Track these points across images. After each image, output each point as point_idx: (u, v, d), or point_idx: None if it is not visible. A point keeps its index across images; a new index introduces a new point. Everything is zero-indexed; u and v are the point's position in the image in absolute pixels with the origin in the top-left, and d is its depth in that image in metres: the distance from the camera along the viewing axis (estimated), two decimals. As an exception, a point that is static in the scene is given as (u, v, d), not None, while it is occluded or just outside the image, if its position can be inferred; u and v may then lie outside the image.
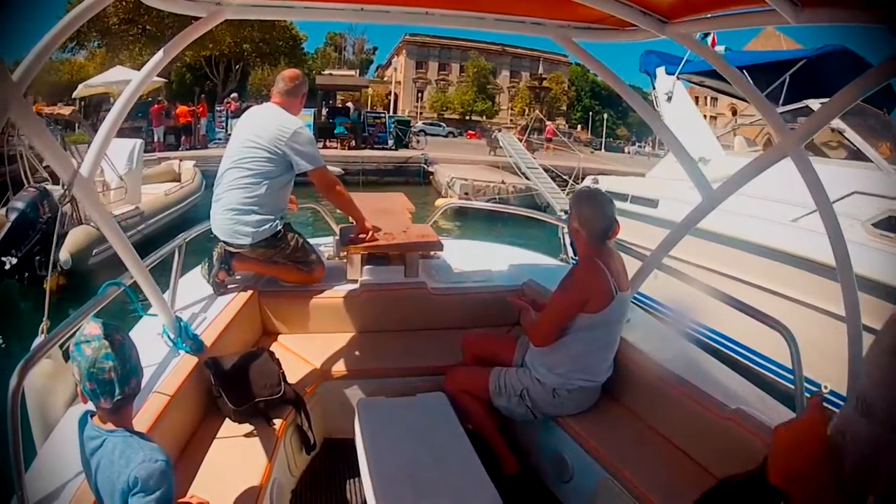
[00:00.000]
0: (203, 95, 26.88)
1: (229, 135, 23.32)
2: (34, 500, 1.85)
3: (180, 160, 15.65)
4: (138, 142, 11.39)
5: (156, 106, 23.56)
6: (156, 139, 22.68)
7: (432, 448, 2.62)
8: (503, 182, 21.11)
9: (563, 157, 28.98)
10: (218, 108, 28.35)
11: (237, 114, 25.17)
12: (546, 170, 22.60)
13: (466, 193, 19.35)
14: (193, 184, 14.18)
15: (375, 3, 2.99)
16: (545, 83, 42.64)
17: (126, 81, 18.34)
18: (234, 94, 28.02)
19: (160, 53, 2.75)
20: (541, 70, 47.65)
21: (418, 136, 34.81)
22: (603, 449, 2.77)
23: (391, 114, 38.75)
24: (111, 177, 10.36)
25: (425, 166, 26.22)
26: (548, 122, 34.76)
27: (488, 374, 3.14)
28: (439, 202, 16.53)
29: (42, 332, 2.27)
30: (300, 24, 41.37)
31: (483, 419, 3.12)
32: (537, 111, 35.72)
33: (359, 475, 2.89)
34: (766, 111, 2.72)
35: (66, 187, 2.27)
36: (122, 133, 18.11)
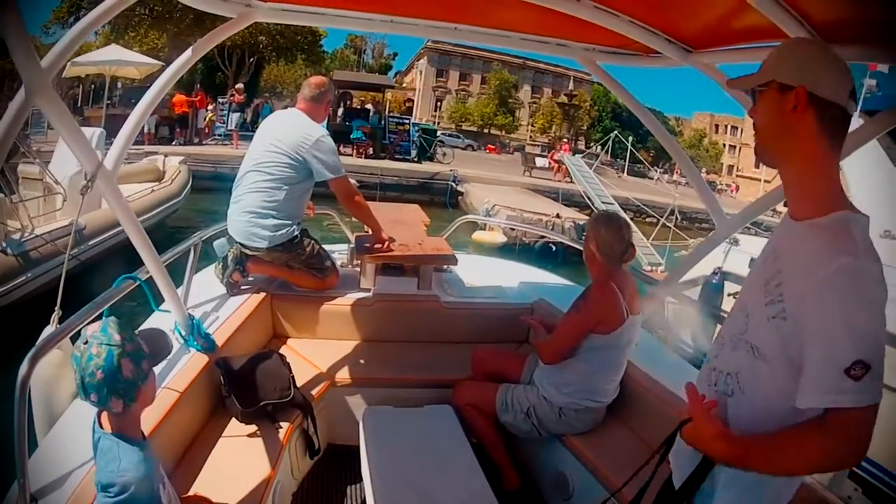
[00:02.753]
0: (199, 86, 24.57)
1: (230, 131, 21.88)
2: (35, 488, 1.90)
3: (165, 156, 13.69)
4: (97, 132, 8.88)
5: None
6: (146, 130, 20.75)
7: (437, 459, 2.72)
8: (558, 216, 17.22)
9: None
10: (221, 100, 26.13)
11: (241, 108, 23.64)
12: (624, 204, 19.86)
13: (512, 228, 15.25)
14: (173, 185, 12.01)
15: (405, 15, 3.14)
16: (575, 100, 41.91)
17: (118, 62, 17.00)
18: (240, 86, 25.20)
19: (188, 52, 2.85)
20: (571, 86, 47.32)
21: (443, 147, 31.41)
22: (605, 469, 2.85)
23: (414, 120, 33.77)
24: (63, 176, 8.13)
25: (454, 185, 23.08)
26: (565, 141, 33.66)
27: (496, 389, 3.25)
28: (481, 237, 14.62)
29: (53, 322, 2.33)
30: None
31: (488, 434, 3.22)
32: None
33: (361, 482, 2.98)
34: None
35: (89, 178, 2.35)
36: (109, 120, 15.00)
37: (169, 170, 12.71)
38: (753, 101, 1.51)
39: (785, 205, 1.53)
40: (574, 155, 30.97)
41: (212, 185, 16.11)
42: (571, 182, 26.69)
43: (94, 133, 8.58)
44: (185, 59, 2.85)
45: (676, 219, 17.09)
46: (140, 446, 1.73)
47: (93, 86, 23.33)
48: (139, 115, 2.68)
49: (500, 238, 14.83)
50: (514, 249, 14.42)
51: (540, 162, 31.24)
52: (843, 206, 1.36)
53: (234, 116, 23.21)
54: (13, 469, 1.81)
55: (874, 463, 4.62)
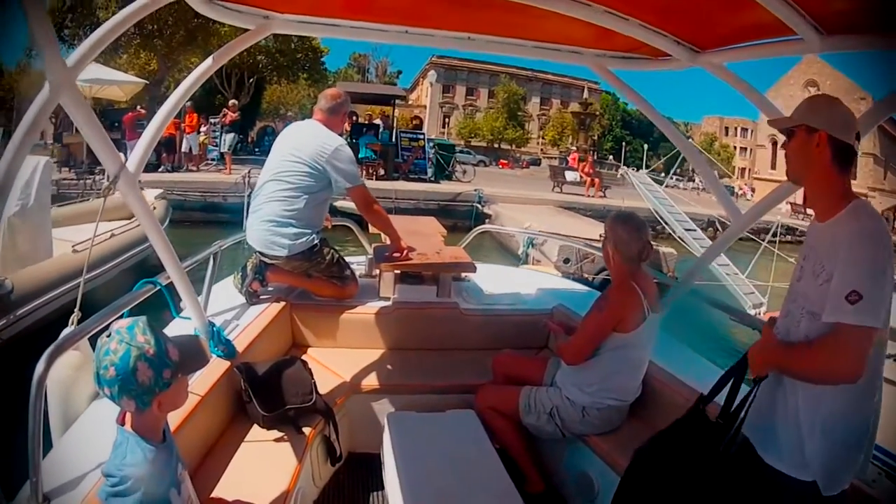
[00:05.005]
0: (190, 103, 20.91)
1: (223, 154, 20.34)
2: (48, 488, 1.92)
3: (142, 188, 9.21)
4: (42, 161, 7.25)
5: (130, 114, 18.91)
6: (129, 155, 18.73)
7: (461, 464, 2.78)
8: None
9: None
10: (213, 120, 23.71)
11: (234, 127, 20.97)
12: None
13: (567, 260, 12.90)
14: (139, 230, 8.82)
15: (420, 26, 3.26)
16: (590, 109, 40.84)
17: (99, 80, 16.15)
18: (233, 102, 22.44)
19: (209, 61, 2.95)
20: (585, 95, 47.03)
21: (464, 164, 28.80)
22: None
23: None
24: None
25: (479, 206, 20.50)
26: (573, 150, 32.38)
27: (518, 392, 3.34)
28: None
29: (72, 323, 2.35)
30: (326, 40, 39.88)
31: (511, 437, 3.32)
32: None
33: (381, 490, 3.09)
34: None
35: (111, 181, 2.41)
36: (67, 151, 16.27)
37: None
38: (788, 138, 2.05)
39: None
40: (580, 162, 29.92)
41: (200, 218, 15.92)
42: (605, 196, 25.68)
43: (36, 164, 7.04)
44: (206, 68, 2.93)
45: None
46: (153, 447, 1.75)
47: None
48: (160, 121, 2.72)
49: (551, 273, 11.25)
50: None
51: (570, 176, 28.74)
52: (850, 199, 1.92)
53: (228, 137, 20.60)
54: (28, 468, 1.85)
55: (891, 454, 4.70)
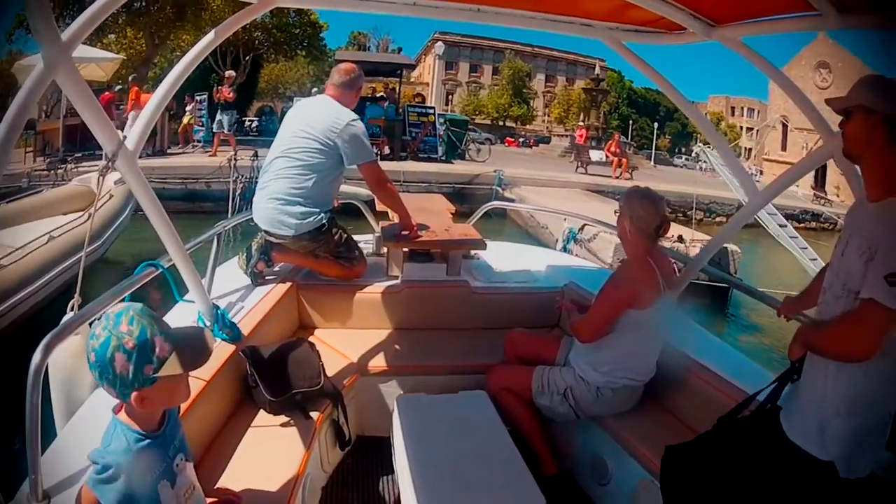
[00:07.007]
0: (133, 76, 19.68)
1: (213, 133, 18.94)
2: (49, 483, 1.87)
3: (101, 175, 7.97)
4: None
5: (106, 94, 17.97)
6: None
7: (473, 446, 2.76)
8: (681, 239, 12.30)
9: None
10: (199, 97, 21.59)
11: (229, 106, 18.39)
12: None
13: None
14: (94, 221, 7.85)
15: None
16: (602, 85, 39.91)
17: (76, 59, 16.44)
18: (231, 73, 19.95)
19: (211, 35, 2.86)
20: (597, 72, 46.42)
21: (478, 143, 26.87)
22: (644, 451, 2.91)
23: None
24: None
25: (499, 189, 18.80)
26: (581, 125, 31.39)
27: (531, 372, 3.34)
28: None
29: (73, 308, 2.35)
30: (324, 14, 37.31)
31: (524, 418, 3.32)
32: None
33: (391, 473, 3.09)
34: (811, 113, 2.90)
35: (109, 159, 2.35)
36: (68, 132, 15.68)
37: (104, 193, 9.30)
38: (846, 118, 2.05)
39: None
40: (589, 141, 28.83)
41: (180, 208, 13.98)
42: (631, 178, 24.43)
43: None
44: (207, 42, 2.85)
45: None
46: (141, 437, 1.71)
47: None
48: (159, 99, 2.68)
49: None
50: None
51: (595, 156, 27.12)
52: None
53: (225, 116, 18.43)
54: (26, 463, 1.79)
55: None
